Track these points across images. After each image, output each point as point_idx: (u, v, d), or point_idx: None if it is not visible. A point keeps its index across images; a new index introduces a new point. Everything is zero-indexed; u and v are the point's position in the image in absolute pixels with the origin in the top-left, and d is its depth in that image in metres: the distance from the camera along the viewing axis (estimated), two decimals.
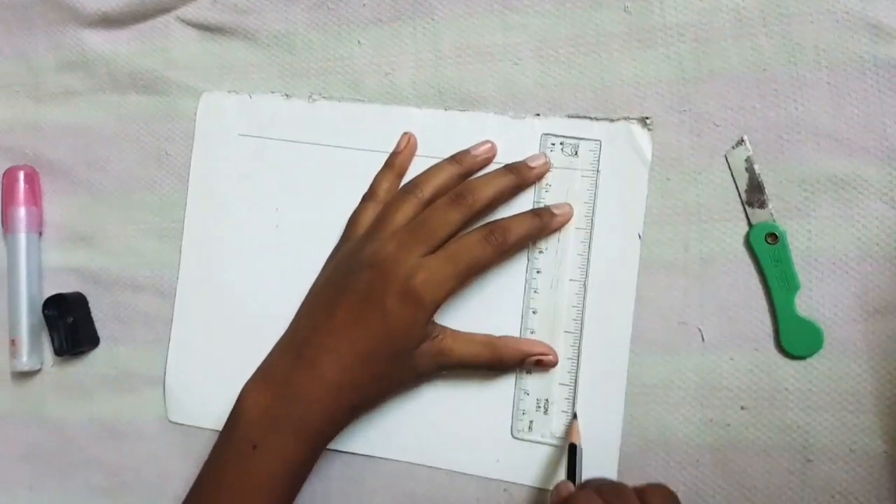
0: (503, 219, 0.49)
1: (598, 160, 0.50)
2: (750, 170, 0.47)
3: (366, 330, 0.46)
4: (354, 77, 0.53)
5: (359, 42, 0.53)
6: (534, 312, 0.50)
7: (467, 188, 0.49)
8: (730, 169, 0.48)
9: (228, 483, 0.46)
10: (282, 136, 0.54)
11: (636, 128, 0.49)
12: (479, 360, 0.49)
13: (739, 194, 0.48)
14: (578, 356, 0.49)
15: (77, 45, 0.57)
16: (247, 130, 0.54)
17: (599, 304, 0.49)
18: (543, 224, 0.49)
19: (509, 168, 0.50)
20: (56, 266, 0.58)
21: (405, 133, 0.52)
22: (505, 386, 0.50)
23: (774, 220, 0.47)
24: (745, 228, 0.47)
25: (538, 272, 0.50)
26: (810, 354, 0.46)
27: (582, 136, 0.50)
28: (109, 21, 0.56)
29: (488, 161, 0.51)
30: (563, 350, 0.49)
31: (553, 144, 0.50)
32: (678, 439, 0.48)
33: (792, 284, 0.46)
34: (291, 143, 0.54)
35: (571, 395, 0.49)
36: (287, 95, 0.54)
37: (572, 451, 0.46)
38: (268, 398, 0.47)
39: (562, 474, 0.48)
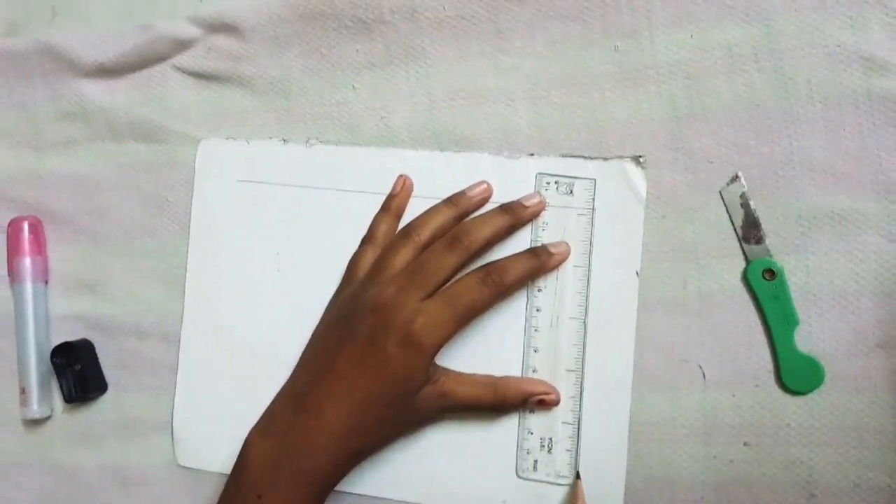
0: (500, 260, 0.49)
1: (594, 198, 0.50)
2: (745, 206, 0.47)
3: (367, 376, 0.46)
4: (350, 121, 0.53)
5: (353, 87, 0.53)
6: (535, 351, 0.50)
7: (463, 230, 0.49)
8: (725, 206, 0.48)
9: None
10: (280, 181, 0.54)
11: (630, 166, 0.49)
12: (482, 402, 0.49)
13: (735, 231, 0.48)
14: (581, 394, 0.49)
15: (75, 95, 0.57)
16: (246, 176, 0.55)
17: (600, 341, 0.49)
18: (541, 263, 0.49)
19: (504, 208, 0.50)
20: (62, 314, 0.58)
21: (401, 175, 0.52)
22: (509, 426, 0.50)
23: (771, 256, 0.47)
24: (743, 265, 0.48)
25: (538, 310, 0.50)
26: (811, 390, 0.46)
27: (576, 174, 0.50)
28: (106, 71, 0.57)
29: (484, 202, 0.51)
30: (565, 388, 0.50)
31: (548, 183, 0.50)
32: (682, 477, 0.48)
33: (791, 320, 0.46)
34: (290, 187, 0.54)
35: (575, 433, 0.49)
36: (284, 140, 0.54)
37: None
38: (271, 448, 0.47)
39: None
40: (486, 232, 0.49)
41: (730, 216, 0.48)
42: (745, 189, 0.47)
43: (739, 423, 0.47)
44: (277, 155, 0.55)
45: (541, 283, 0.50)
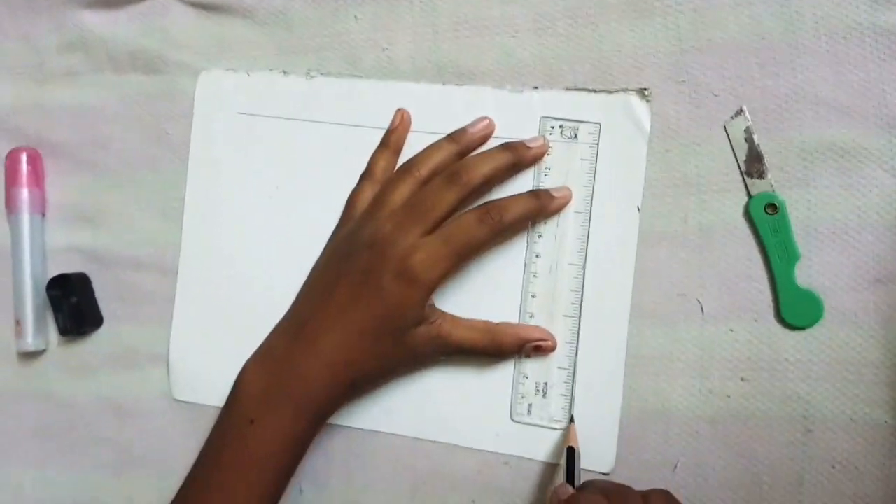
0: (501, 199, 0.49)
1: (598, 143, 0.49)
2: (749, 140, 0.47)
3: (364, 309, 0.47)
4: (352, 53, 0.53)
5: (356, 17, 0.53)
6: (533, 296, 0.50)
7: (463, 166, 0.49)
8: (729, 139, 0.48)
9: (227, 458, 0.47)
10: (280, 114, 0.54)
11: (635, 99, 0.49)
12: (478, 346, 0.49)
13: (739, 165, 0.47)
14: (577, 340, 0.49)
15: (77, 26, 0.57)
16: (245, 108, 0.54)
17: (598, 285, 0.49)
18: (541, 205, 0.49)
19: (506, 146, 0.50)
20: (59, 246, 0.58)
21: (399, 109, 0.52)
22: (504, 370, 0.50)
23: (774, 191, 0.47)
24: (745, 199, 0.47)
25: (537, 256, 0.50)
26: (810, 325, 0.46)
27: (582, 118, 0.50)
28: (108, 2, 0.56)
29: (486, 138, 0.51)
30: (561, 334, 0.50)
31: (552, 127, 0.50)
32: (678, 411, 0.48)
33: (791, 255, 0.46)
34: (290, 120, 0.54)
35: (570, 378, 0.49)
36: (285, 72, 0.54)
37: (570, 455, 0.46)
38: (266, 375, 0.48)
39: (561, 476, 0.48)
40: (485, 168, 0.49)
41: (733, 150, 0.47)
42: (750, 123, 0.47)
43: (737, 357, 0.47)
44: (278, 87, 0.54)
45: (541, 228, 0.50)
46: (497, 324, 0.50)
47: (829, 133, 0.46)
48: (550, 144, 0.50)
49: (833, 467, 0.46)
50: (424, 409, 0.51)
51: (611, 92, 0.49)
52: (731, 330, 0.47)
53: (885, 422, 0.45)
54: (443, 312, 0.49)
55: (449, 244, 0.47)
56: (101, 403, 0.57)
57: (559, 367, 0.50)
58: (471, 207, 0.48)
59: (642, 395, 0.48)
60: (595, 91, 0.49)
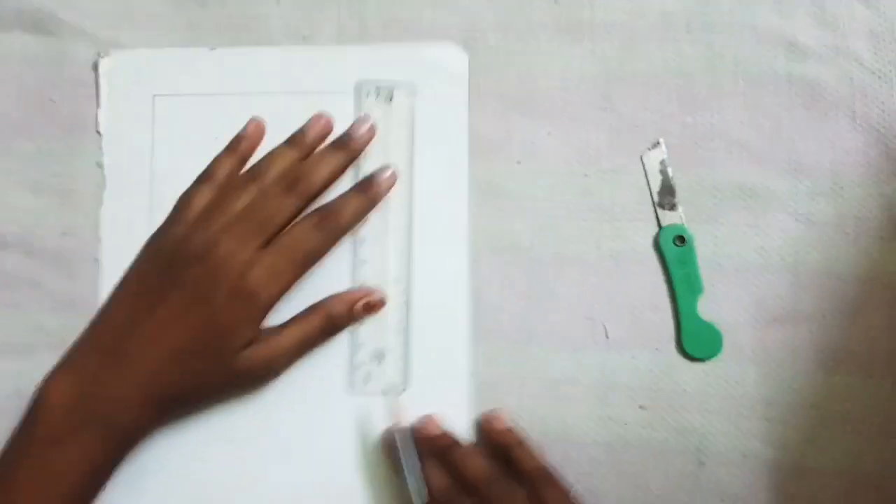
0: (332, 202, 0.48)
1: (413, 103, 0.49)
2: (664, 172, 0.48)
3: (189, 328, 0.45)
4: (269, 37, 0.50)
5: (278, 1, 0.50)
6: (364, 263, 0.49)
7: (301, 173, 0.48)
8: (644, 170, 0.48)
9: (25, 480, 0.43)
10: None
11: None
12: (312, 334, 0.47)
13: (652, 196, 0.48)
14: (409, 303, 0.49)
15: None
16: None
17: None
18: (370, 197, 0.48)
19: (339, 145, 0.49)
20: None
21: (252, 118, 0.50)
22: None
23: (684, 223, 0.48)
24: (656, 229, 0.48)
25: (364, 221, 0.49)
26: (709, 357, 0.47)
27: (396, 78, 0.50)
28: None
29: (324, 138, 0.50)
30: (395, 298, 0.49)
31: (368, 93, 0.50)
32: (577, 435, 0.47)
33: (696, 287, 0.47)
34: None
35: (406, 342, 0.48)
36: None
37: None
38: (73, 394, 0.44)
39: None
40: (323, 173, 0.48)
41: (648, 181, 0.48)
42: (665, 156, 0.48)
43: (637, 385, 0.47)
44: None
45: None
46: (320, 301, 0.48)
47: (739, 173, 0.48)
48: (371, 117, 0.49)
49: (722, 501, 0.46)
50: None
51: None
52: (633, 357, 0.47)
53: (775, 458, 0.46)
54: (269, 328, 0.47)
55: (289, 257, 0.46)
56: None
57: (395, 332, 0.49)
58: (304, 215, 0.47)
59: (544, 418, 0.47)
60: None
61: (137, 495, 0.48)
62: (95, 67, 0.51)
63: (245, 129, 0.50)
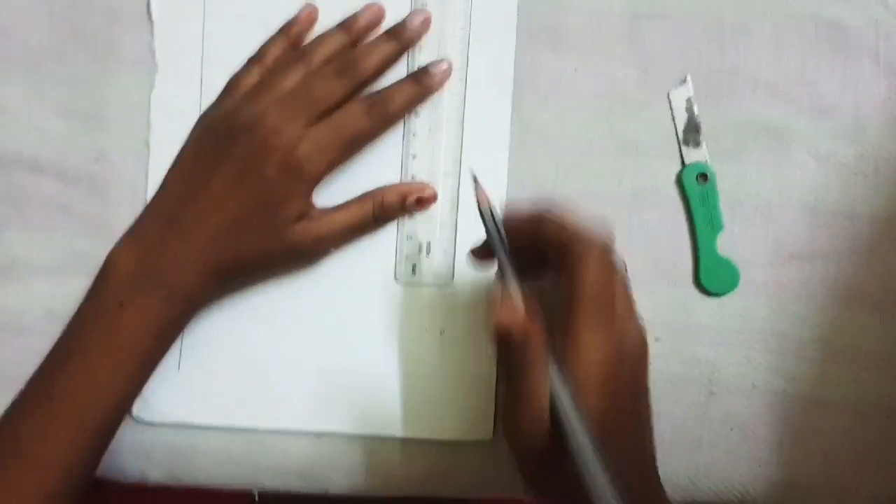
0: (385, 90, 0.49)
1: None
2: (689, 110, 0.49)
3: (242, 199, 0.46)
4: None
5: None
6: (413, 157, 0.50)
7: (354, 58, 0.48)
8: (671, 107, 0.49)
9: (93, 341, 0.46)
10: None
11: None
12: (364, 219, 0.49)
13: (677, 133, 0.49)
14: (458, 197, 0.50)
15: None
16: None
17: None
18: (424, 89, 0.49)
19: (392, 34, 0.49)
20: None
21: (306, 5, 0.50)
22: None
23: (707, 162, 0.48)
24: (679, 167, 0.49)
25: (416, 115, 0.50)
26: (725, 292, 0.48)
27: None
28: None
29: (376, 25, 0.50)
30: (443, 192, 0.50)
31: None
32: None
33: (716, 225, 0.48)
34: None
35: (453, 236, 0.50)
36: None
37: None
38: (137, 259, 0.47)
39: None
40: (375, 60, 0.48)
41: (673, 118, 0.49)
42: (692, 93, 0.49)
43: (653, 318, 0.48)
44: None
45: None
46: (373, 190, 0.49)
47: (763, 112, 0.48)
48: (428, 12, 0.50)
49: (731, 430, 0.48)
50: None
51: None
52: (651, 291, 0.49)
53: (784, 390, 0.48)
54: (323, 209, 0.48)
55: (336, 136, 0.47)
56: None
57: (442, 226, 0.50)
58: (356, 98, 0.48)
59: None
60: None
61: (175, 369, 0.50)
62: None
63: (298, 14, 0.50)
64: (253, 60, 0.50)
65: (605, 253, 0.39)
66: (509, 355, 0.38)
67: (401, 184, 0.50)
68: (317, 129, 0.46)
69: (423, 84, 0.49)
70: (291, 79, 0.48)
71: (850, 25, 0.48)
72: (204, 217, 0.46)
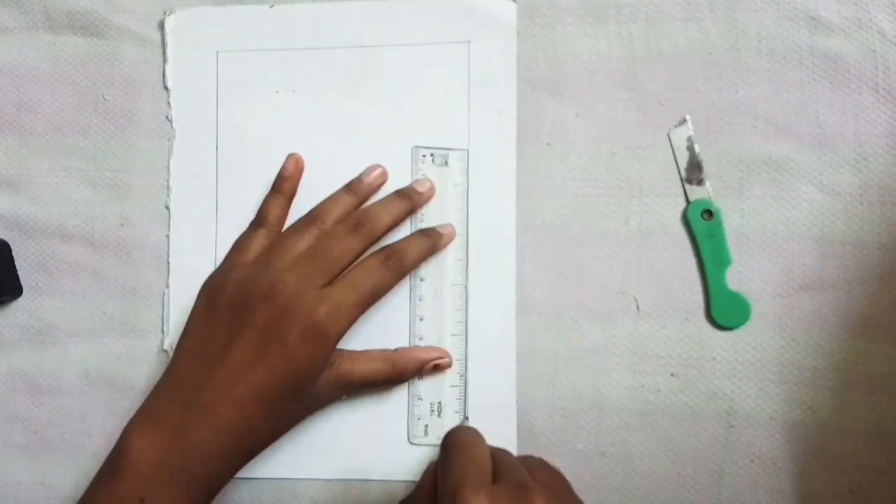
0: (398, 242, 0.49)
1: (468, 168, 0.52)
2: (690, 149, 0.49)
3: (265, 370, 0.44)
4: None
5: None
6: (421, 319, 0.51)
7: (366, 216, 0.49)
8: (672, 147, 0.50)
9: None
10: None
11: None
12: (380, 377, 0.49)
13: (679, 172, 0.50)
14: (466, 357, 0.51)
15: None
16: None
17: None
18: (433, 243, 0.50)
19: (402, 194, 0.51)
20: None
21: (291, 155, 0.52)
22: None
23: (711, 198, 0.49)
24: (683, 204, 0.50)
25: (422, 280, 0.51)
26: (738, 326, 0.49)
27: (451, 146, 0.52)
28: None
29: (380, 186, 0.52)
30: (451, 352, 0.51)
31: (424, 156, 0.52)
32: (610, 402, 0.50)
33: (724, 259, 0.49)
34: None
35: (462, 395, 0.51)
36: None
37: None
38: (157, 448, 0.43)
39: None
40: (387, 218, 0.49)
41: (675, 157, 0.50)
42: (692, 132, 0.49)
43: (668, 354, 0.49)
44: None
45: None
46: (394, 350, 0.50)
47: (764, 147, 0.49)
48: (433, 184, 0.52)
49: (752, 462, 0.49)
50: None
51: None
52: (664, 327, 0.50)
53: (802, 420, 0.48)
54: (339, 351, 0.48)
55: (355, 292, 0.46)
56: (16, 379, 0.54)
57: (451, 386, 0.51)
58: (370, 253, 0.49)
59: (577, 386, 0.50)
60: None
61: None
62: (161, 26, 0.54)
63: (285, 167, 0.51)
64: (257, 224, 0.51)
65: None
66: None
67: (418, 349, 0.51)
68: (334, 288, 0.46)
69: (433, 239, 0.50)
70: (304, 241, 0.48)
71: (847, 56, 0.48)
72: (225, 394, 0.44)
